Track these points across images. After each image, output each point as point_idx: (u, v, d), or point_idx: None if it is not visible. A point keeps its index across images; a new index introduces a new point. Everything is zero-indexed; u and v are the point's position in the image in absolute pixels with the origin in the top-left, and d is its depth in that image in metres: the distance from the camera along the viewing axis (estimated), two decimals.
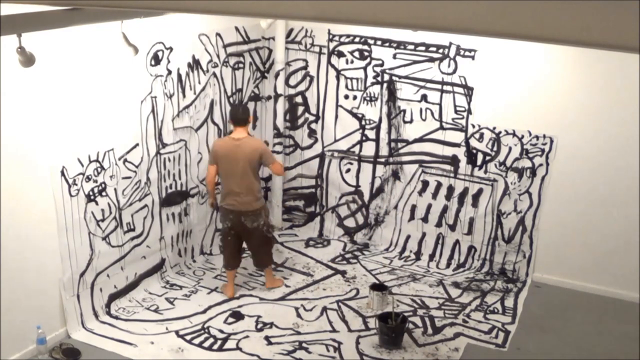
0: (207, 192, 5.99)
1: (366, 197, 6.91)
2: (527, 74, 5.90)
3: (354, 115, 6.71)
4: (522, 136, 6.08)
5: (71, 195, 4.91)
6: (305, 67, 6.82)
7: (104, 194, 5.20)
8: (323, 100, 6.83)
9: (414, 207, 6.69)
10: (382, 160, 6.72)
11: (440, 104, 6.31)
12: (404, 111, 6.48)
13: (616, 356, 5.15)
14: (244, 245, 5.86)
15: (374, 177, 6.82)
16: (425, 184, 6.59)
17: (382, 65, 6.45)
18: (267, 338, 5.22)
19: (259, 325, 5.40)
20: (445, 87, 6.24)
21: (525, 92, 5.95)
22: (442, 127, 6.35)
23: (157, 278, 5.95)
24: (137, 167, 5.48)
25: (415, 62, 6.31)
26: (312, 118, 6.94)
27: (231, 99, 6.52)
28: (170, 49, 5.59)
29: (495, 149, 6.20)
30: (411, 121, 6.47)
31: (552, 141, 5.98)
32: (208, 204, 6.11)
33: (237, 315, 5.53)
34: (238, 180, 5.45)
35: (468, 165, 6.33)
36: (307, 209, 7.24)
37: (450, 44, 6.11)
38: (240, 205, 5.51)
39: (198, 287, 5.95)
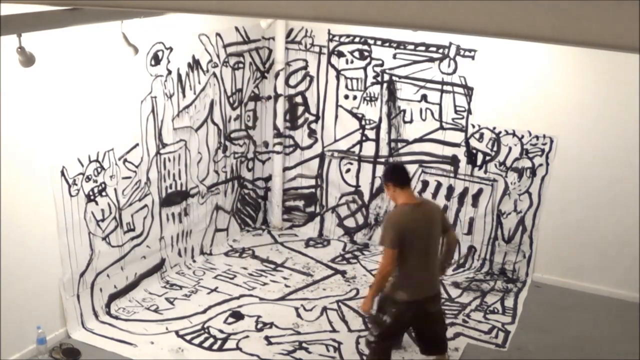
0: (373, 290, 4.39)
1: (366, 197, 6.91)
2: (527, 74, 5.90)
3: (354, 115, 6.71)
4: (522, 136, 6.08)
5: (71, 195, 4.91)
6: (305, 67, 6.82)
7: (104, 194, 5.19)
8: (323, 100, 6.83)
9: None
10: (382, 160, 6.72)
11: (440, 104, 6.31)
12: (404, 111, 6.48)
13: (616, 356, 5.15)
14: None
15: (374, 177, 6.82)
16: (425, 184, 6.59)
17: (382, 65, 6.45)
18: (267, 338, 5.22)
19: (259, 325, 5.39)
20: (445, 87, 6.24)
21: (525, 92, 5.95)
22: (442, 127, 6.35)
23: (157, 278, 5.95)
24: (137, 167, 5.48)
25: (415, 62, 6.31)
26: (312, 118, 6.94)
27: (231, 99, 6.52)
28: (170, 49, 5.59)
29: (495, 149, 6.20)
30: (411, 121, 6.47)
31: (552, 141, 5.98)
32: (363, 308, 4.45)
33: (237, 315, 5.52)
34: (433, 258, 4.28)
35: (468, 165, 6.33)
36: (307, 209, 7.24)
37: (450, 44, 6.11)
38: (430, 290, 4.30)
39: (198, 287, 5.95)
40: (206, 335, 5.22)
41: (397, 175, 4.28)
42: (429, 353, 4.64)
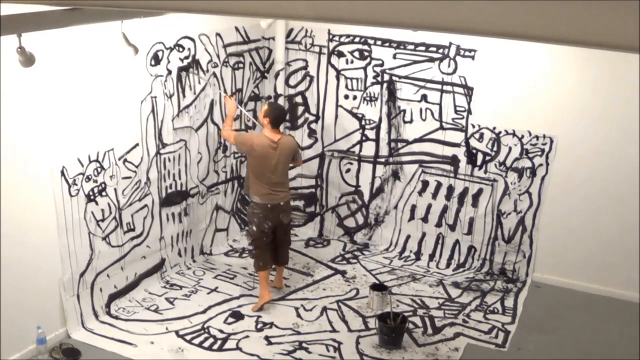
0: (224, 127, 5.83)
1: (366, 197, 6.91)
2: (527, 74, 5.90)
3: (354, 115, 6.71)
4: (522, 136, 6.08)
5: (71, 195, 4.91)
6: (305, 67, 6.82)
7: (104, 194, 5.20)
8: (323, 100, 6.83)
9: (414, 207, 6.69)
10: (382, 160, 6.72)
11: (440, 104, 6.31)
12: (404, 111, 6.48)
13: (616, 356, 5.15)
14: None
15: (374, 177, 6.82)
16: (425, 184, 6.59)
17: (382, 65, 6.45)
18: (267, 338, 5.22)
19: (259, 325, 5.40)
20: (445, 87, 6.24)
21: (525, 92, 5.95)
22: (442, 127, 6.36)
23: (157, 278, 5.95)
24: (137, 167, 5.48)
25: (415, 62, 6.31)
26: (312, 118, 6.94)
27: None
28: (170, 49, 5.59)
29: (495, 149, 6.20)
30: (411, 121, 6.47)
31: (552, 141, 5.98)
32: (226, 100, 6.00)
33: (237, 315, 5.53)
34: (278, 177, 5.49)
35: (468, 165, 6.33)
36: (307, 209, 7.24)
37: (450, 44, 6.11)
38: (281, 200, 5.53)
39: (198, 287, 5.95)
40: (206, 335, 5.22)
41: (275, 117, 5.47)
42: (278, 264, 5.91)
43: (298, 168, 7.13)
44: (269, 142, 5.40)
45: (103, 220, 5.24)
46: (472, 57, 6.06)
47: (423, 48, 6.25)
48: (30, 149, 4.54)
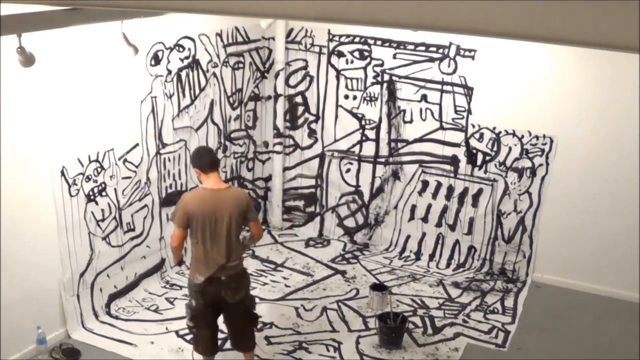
0: (172, 256, 4.62)
1: (366, 197, 6.91)
2: (527, 74, 5.90)
3: (354, 115, 6.71)
4: (522, 136, 6.08)
5: (71, 195, 4.91)
6: (305, 67, 6.82)
7: (104, 194, 5.20)
8: (323, 100, 6.83)
9: (414, 207, 6.69)
10: (382, 160, 6.72)
11: (440, 104, 6.31)
12: (404, 111, 6.48)
13: (616, 356, 5.15)
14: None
15: (374, 177, 6.82)
16: (425, 184, 6.59)
17: (382, 65, 6.45)
18: (267, 338, 5.22)
19: (259, 325, 5.39)
20: (445, 87, 6.24)
21: (525, 92, 5.95)
22: (442, 127, 6.35)
23: (157, 278, 5.95)
24: (137, 167, 5.48)
25: (415, 62, 6.31)
26: (312, 118, 6.94)
27: (231, 99, 6.52)
28: (170, 49, 5.59)
29: (495, 149, 6.20)
30: (411, 121, 6.47)
31: (552, 141, 5.98)
32: (172, 263, 5.20)
33: None
34: (221, 242, 4.22)
35: (468, 165, 6.33)
36: (307, 209, 7.24)
37: (450, 44, 6.11)
38: (222, 275, 4.27)
39: None
40: None
41: (202, 161, 4.31)
42: (235, 346, 4.68)
43: (299, 168, 7.13)
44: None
45: (103, 220, 5.24)
46: (472, 57, 6.06)
47: (423, 48, 6.25)
48: (30, 149, 4.54)
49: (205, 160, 4.29)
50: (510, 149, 6.15)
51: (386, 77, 6.46)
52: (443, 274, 6.41)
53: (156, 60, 5.46)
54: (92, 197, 5.09)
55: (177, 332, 5.22)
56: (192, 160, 4.45)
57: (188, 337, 5.16)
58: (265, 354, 4.99)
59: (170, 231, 5.95)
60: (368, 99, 6.59)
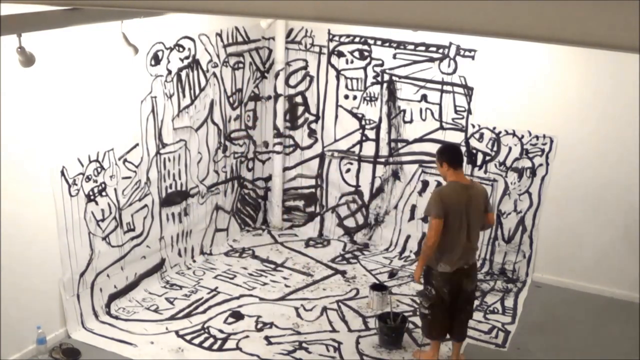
0: (421, 259, 4.64)
1: (366, 197, 6.91)
2: (527, 74, 5.90)
3: (354, 115, 6.71)
4: (522, 136, 6.08)
5: (71, 195, 4.91)
6: (305, 67, 6.82)
7: (104, 194, 5.19)
8: (323, 100, 6.83)
9: (414, 207, 6.69)
10: (382, 160, 6.72)
11: (440, 104, 6.31)
12: (404, 111, 6.48)
13: (616, 356, 5.15)
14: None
15: (374, 177, 6.82)
16: (425, 184, 6.58)
17: (382, 65, 6.45)
18: (267, 338, 5.22)
19: (259, 325, 5.39)
20: (445, 87, 6.24)
21: (525, 92, 5.95)
22: (442, 127, 6.35)
23: (157, 278, 5.95)
24: (137, 167, 5.48)
25: (415, 62, 6.31)
26: (312, 118, 6.94)
27: (231, 99, 6.52)
28: (170, 49, 5.59)
29: (495, 149, 6.20)
30: (411, 121, 6.47)
31: (552, 141, 5.98)
32: (415, 278, 4.81)
33: (237, 315, 5.52)
34: (470, 234, 4.52)
35: (468, 165, 6.33)
36: (307, 209, 7.24)
37: (450, 44, 6.11)
38: (464, 263, 4.55)
39: (198, 287, 5.95)
40: (206, 335, 5.22)
41: (452, 156, 4.57)
42: (451, 335, 4.87)
43: (299, 168, 7.13)
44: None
45: (103, 220, 5.24)
46: (472, 57, 6.06)
47: (423, 48, 6.25)
48: (30, 149, 4.54)
49: (457, 156, 4.61)
50: (510, 149, 6.15)
51: (386, 77, 6.46)
52: None
53: (156, 60, 5.46)
54: (92, 197, 5.09)
55: (177, 332, 5.22)
56: (442, 154, 4.63)
57: (188, 337, 5.17)
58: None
59: (170, 231, 6.00)
60: (368, 99, 6.59)
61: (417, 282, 4.91)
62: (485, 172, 6.29)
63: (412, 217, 6.73)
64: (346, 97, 6.69)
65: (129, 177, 5.43)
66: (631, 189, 5.77)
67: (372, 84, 6.54)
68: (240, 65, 6.55)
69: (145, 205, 5.68)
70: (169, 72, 5.63)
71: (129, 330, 5.22)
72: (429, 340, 4.91)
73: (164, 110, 5.65)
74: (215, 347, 5.08)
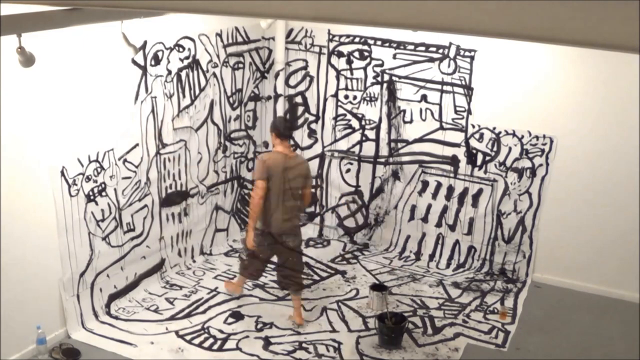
0: (250, 221, 5.27)
1: (366, 197, 6.91)
2: (527, 74, 5.90)
3: (354, 115, 6.71)
4: (522, 136, 6.08)
5: (71, 196, 4.91)
6: (305, 67, 6.82)
7: (103, 194, 5.19)
8: (323, 100, 6.83)
9: (413, 207, 6.69)
10: (382, 160, 6.72)
11: (440, 104, 6.31)
12: (404, 111, 6.48)
13: (616, 356, 5.15)
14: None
15: (373, 177, 6.82)
16: (425, 184, 6.59)
17: (382, 65, 6.45)
18: (267, 338, 5.22)
19: (259, 325, 5.39)
20: (445, 87, 6.24)
21: (525, 92, 5.95)
22: (442, 127, 6.36)
23: (157, 278, 5.95)
24: (137, 167, 5.48)
25: (415, 62, 6.31)
26: (312, 118, 6.94)
27: (231, 99, 6.52)
28: (170, 49, 5.59)
29: (495, 149, 6.20)
30: (411, 121, 6.47)
31: (552, 141, 5.98)
32: (248, 241, 5.28)
33: (237, 316, 5.52)
34: (290, 199, 5.13)
35: (468, 166, 6.33)
36: (307, 209, 7.24)
37: (450, 44, 6.11)
38: (283, 227, 5.22)
39: (198, 287, 5.95)
40: (206, 335, 5.22)
41: (281, 129, 5.19)
42: (285, 287, 5.51)
43: None
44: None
45: (103, 220, 5.24)
46: (472, 57, 6.06)
47: (423, 48, 6.25)
48: (30, 149, 4.54)
49: (283, 128, 5.20)
50: (510, 149, 6.15)
51: (386, 77, 6.46)
52: (443, 274, 6.41)
53: (156, 60, 5.46)
54: (92, 197, 5.09)
55: (177, 332, 5.22)
56: (273, 124, 5.31)
57: (188, 337, 5.17)
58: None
59: (170, 231, 6.00)
60: (368, 99, 6.59)
61: (250, 248, 5.29)
62: (485, 172, 6.29)
63: (412, 217, 6.73)
64: (346, 97, 6.69)
65: (129, 177, 5.43)
66: (631, 189, 5.77)
67: (372, 84, 6.54)
68: (240, 65, 6.55)
69: (145, 206, 5.68)
70: (169, 72, 5.63)
71: (129, 330, 5.22)
72: (244, 276, 5.63)
73: (164, 111, 5.65)
74: (215, 347, 5.08)
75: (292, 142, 5.26)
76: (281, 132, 5.16)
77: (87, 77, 4.83)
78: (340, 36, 6.56)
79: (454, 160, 6.38)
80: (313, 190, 5.25)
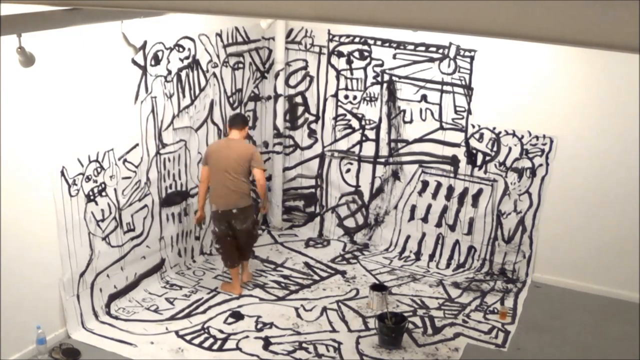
0: (198, 198, 5.88)
1: (366, 197, 6.91)
2: (527, 74, 5.90)
3: (354, 115, 6.71)
4: (522, 136, 6.08)
5: (71, 196, 4.91)
6: (305, 67, 6.82)
7: (103, 194, 5.19)
8: (323, 100, 6.83)
9: (413, 207, 6.69)
10: (382, 160, 6.72)
11: (440, 104, 6.31)
12: (404, 111, 6.48)
13: (616, 356, 5.15)
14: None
15: (373, 177, 6.82)
16: (425, 184, 6.59)
17: (382, 65, 6.45)
18: (267, 338, 5.22)
19: (259, 325, 5.40)
20: (445, 87, 6.24)
21: (525, 92, 5.95)
22: (442, 127, 6.36)
23: (157, 278, 5.95)
24: (137, 167, 5.48)
25: (415, 62, 6.31)
26: (312, 118, 6.94)
27: (231, 99, 6.52)
28: (170, 49, 5.59)
29: (495, 149, 6.20)
30: (411, 121, 6.47)
31: (552, 141, 5.98)
32: (195, 218, 5.97)
33: (237, 316, 5.53)
34: (231, 181, 5.53)
35: (468, 166, 6.33)
36: (307, 209, 7.24)
37: (450, 44, 6.11)
38: (230, 206, 5.60)
39: (198, 287, 5.95)
40: (206, 335, 5.22)
41: (229, 121, 5.77)
42: (238, 261, 5.89)
43: (299, 168, 7.13)
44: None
45: (103, 220, 5.24)
46: (472, 57, 6.06)
47: (423, 48, 6.25)
48: (30, 149, 4.54)
49: (232, 120, 5.76)
50: (510, 149, 6.15)
51: (386, 77, 6.46)
52: (443, 274, 6.41)
53: (156, 60, 5.46)
54: (92, 197, 5.09)
55: (177, 332, 5.22)
56: (228, 118, 5.92)
57: (188, 337, 5.17)
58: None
59: (170, 231, 6.00)
60: (368, 99, 6.59)
61: (198, 225, 6.09)
62: (485, 172, 6.29)
63: (412, 218, 6.73)
64: (346, 97, 6.69)
65: (129, 177, 5.43)
66: (631, 189, 5.77)
67: (372, 84, 6.54)
68: (240, 65, 6.55)
69: (145, 206, 5.68)
70: (169, 72, 5.63)
71: (129, 330, 5.22)
72: (228, 269, 5.91)
73: (164, 110, 5.65)
74: (215, 347, 5.08)
75: (245, 131, 5.76)
76: (229, 123, 5.77)
77: (87, 77, 4.83)
78: (340, 36, 6.56)
79: (454, 160, 6.38)
80: (264, 171, 5.71)
